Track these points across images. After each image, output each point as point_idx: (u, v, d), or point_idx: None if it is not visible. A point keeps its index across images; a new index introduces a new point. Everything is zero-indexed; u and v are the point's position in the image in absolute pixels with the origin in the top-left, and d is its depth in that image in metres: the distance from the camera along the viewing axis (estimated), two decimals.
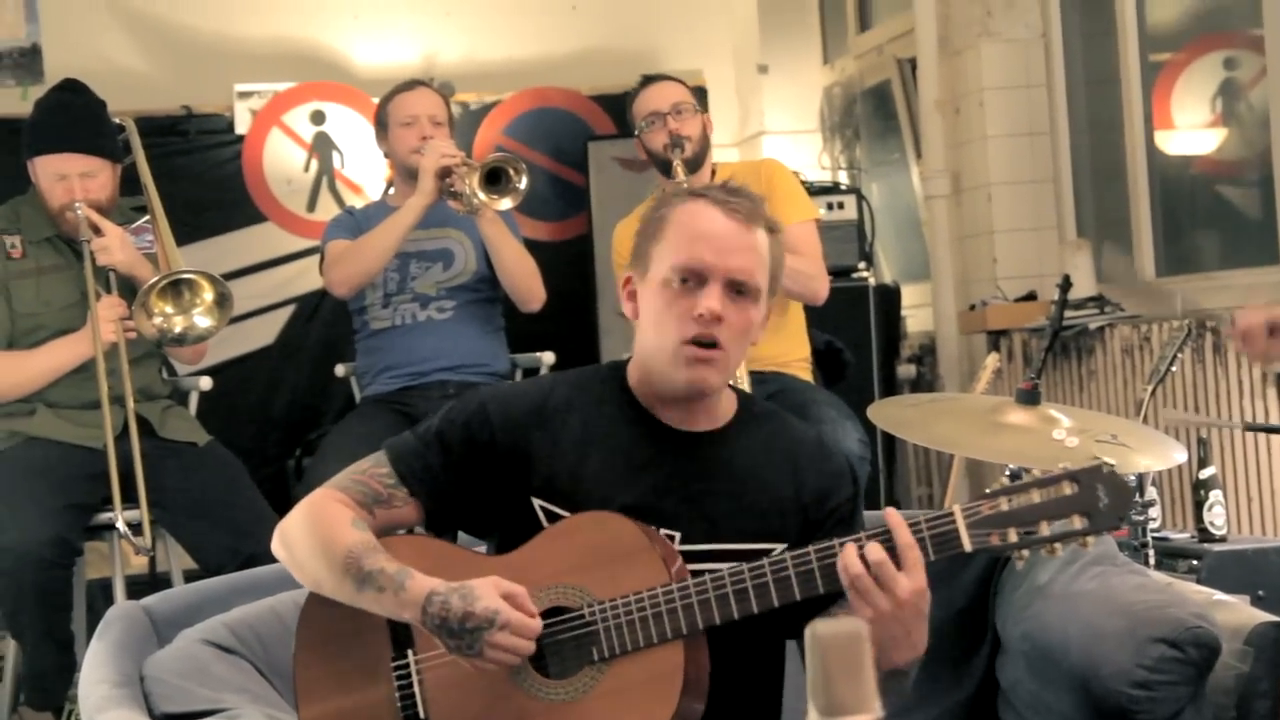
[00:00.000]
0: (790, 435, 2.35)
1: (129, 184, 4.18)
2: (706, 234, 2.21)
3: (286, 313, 5.88)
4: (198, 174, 5.79)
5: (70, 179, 3.99)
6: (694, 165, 4.28)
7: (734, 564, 2.13)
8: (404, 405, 4.29)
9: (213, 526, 3.92)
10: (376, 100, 4.57)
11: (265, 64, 6.04)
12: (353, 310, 4.50)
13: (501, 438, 2.26)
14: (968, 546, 2.06)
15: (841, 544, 2.08)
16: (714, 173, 4.38)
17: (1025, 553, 2.07)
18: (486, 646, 2.08)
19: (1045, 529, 2.05)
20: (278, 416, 5.80)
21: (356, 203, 5.64)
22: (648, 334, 2.25)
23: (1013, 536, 2.05)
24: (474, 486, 2.27)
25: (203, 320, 3.96)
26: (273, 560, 2.36)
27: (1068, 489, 2.05)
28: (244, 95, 5.90)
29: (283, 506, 4.11)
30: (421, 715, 2.19)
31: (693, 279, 2.20)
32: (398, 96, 4.46)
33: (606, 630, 2.13)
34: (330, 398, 5.53)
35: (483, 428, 2.27)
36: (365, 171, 5.97)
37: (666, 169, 4.27)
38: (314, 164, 5.95)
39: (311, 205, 5.93)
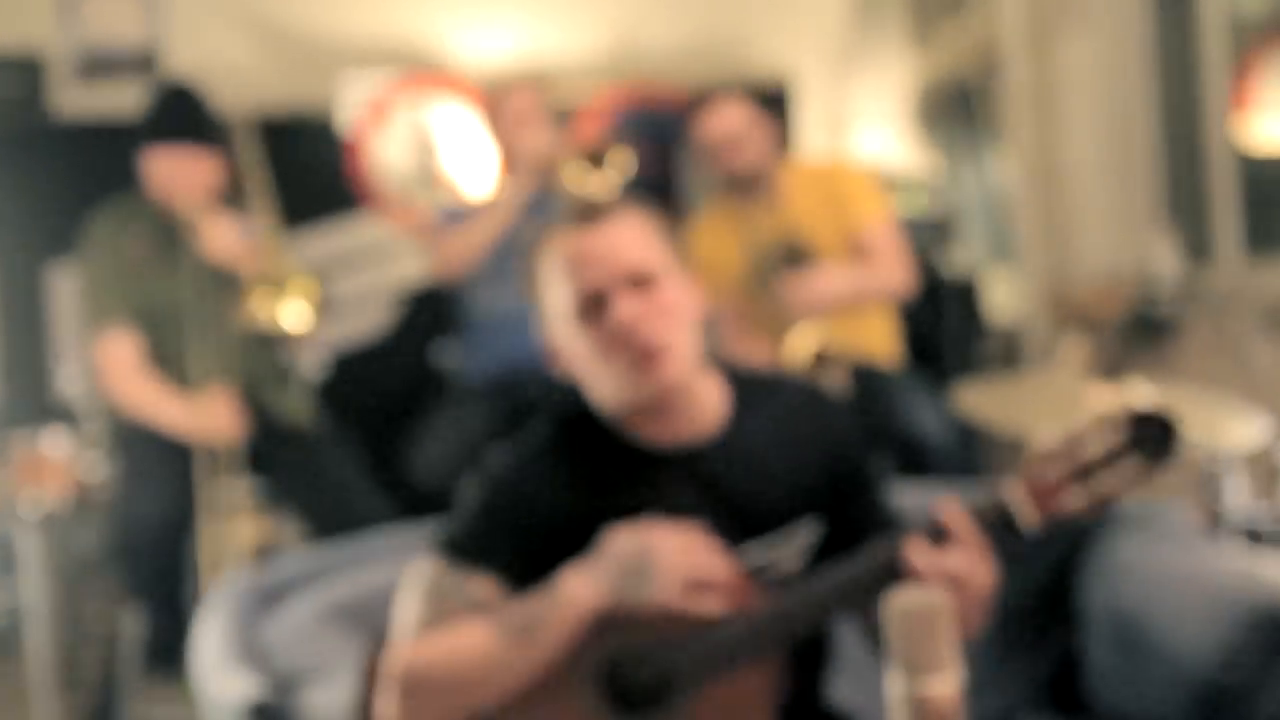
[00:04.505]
0: (789, 399, 2.28)
1: (238, 172, 4.28)
2: (579, 256, 2.15)
3: (392, 302, 5.97)
4: (306, 167, 5.87)
5: (177, 172, 4.09)
6: (758, 185, 4.34)
7: (801, 583, 2.11)
8: (504, 393, 4.37)
9: (323, 506, 4.03)
10: (479, 93, 4.64)
11: (370, 58, 6.12)
12: (454, 300, 4.59)
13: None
14: (1032, 521, 2.02)
15: (899, 547, 2.04)
16: (780, 176, 4.45)
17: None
18: (658, 573, 2.06)
19: (1104, 480, 2.01)
20: (382, 402, 5.89)
21: (459, 191, 5.72)
22: (591, 381, 2.19)
23: (1074, 497, 2.01)
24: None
25: (298, 317, 4.06)
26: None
27: (1115, 434, 2.00)
28: (350, 89, 5.98)
29: (387, 491, 4.22)
30: None
31: (592, 304, 2.14)
32: (500, 90, 4.55)
33: (681, 665, 2.07)
34: (432, 385, 5.62)
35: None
36: (467, 162, 6.06)
37: (733, 190, 4.35)
38: (418, 156, 6.03)
39: (415, 196, 6.01)
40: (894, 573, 2.03)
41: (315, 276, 4.05)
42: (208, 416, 3.98)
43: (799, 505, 2.21)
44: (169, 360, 4.14)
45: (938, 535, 2.03)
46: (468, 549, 2.15)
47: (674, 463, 2.20)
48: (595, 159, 4.31)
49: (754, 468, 2.21)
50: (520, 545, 2.15)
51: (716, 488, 2.19)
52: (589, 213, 2.18)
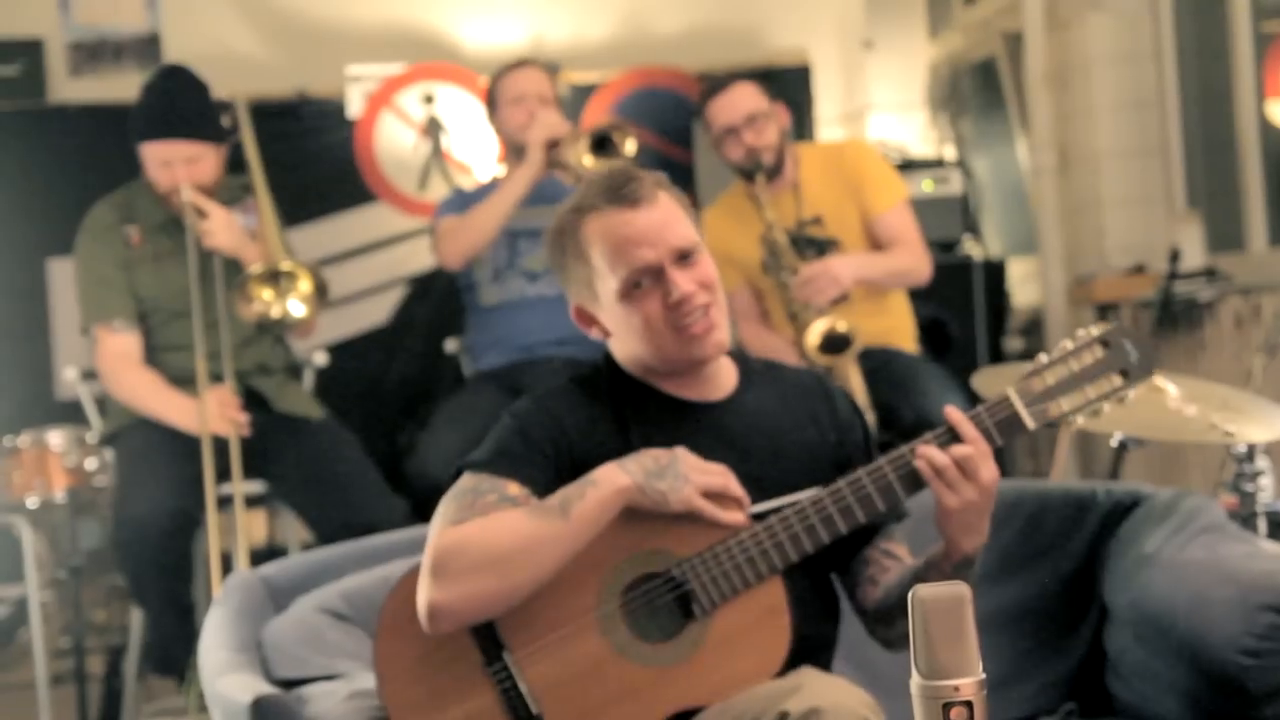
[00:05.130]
0: (793, 381, 2.44)
1: (238, 162, 4.24)
2: (630, 237, 2.25)
3: (399, 291, 5.95)
4: (311, 157, 5.85)
5: (174, 164, 4.03)
6: (775, 170, 4.32)
7: (811, 494, 2.23)
8: (513, 380, 4.34)
9: (328, 499, 3.99)
10: (485, 80, 4.63)
11: (376, 47, 6.10)
12: (462, 287, 4.56)
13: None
14: (1030, 424, 2.23)
15: (912, 449, 2.21)
16: (794, 161, 4.41)
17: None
18: (683, 475, 2.19)
19: (1090, 393, 2.26)
20: (390, 392, 5.88)
21: (465, 182, 5.70)
22: (636, 343, 2.30)
23: (1064, 405, 2.25)
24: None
25: (299, 308, 4.02)
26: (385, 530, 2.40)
27: (1099, 352, 2.25)
28: (356, 78, 5.96)
29: (394, 481, 4.21)
30: (535, 712, 2.17)
31: (647, 278, 2.25)
32: (506, 75, 4.51)
33: (701, 584, 2.19)
34: (441, 374, 5.59)
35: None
36: (474, 151, 6.03)
37: (749, 175, 4.32)
38: (425, 145, 6.01)
39: (422, 185, 5.99)
40: (908, 471, 2.22)
41: (318, 266, 4.01)
42: (209, 410, 3.93)
43: (805, 475, 2.30)
44: (170, 353, 4.11)
45: (946, 439, 2.21)
46: (502, 463, 2.24)
47: (693, 411, 2.33)
48: (602, 142, 4.28)
49: (764, 432, 2.33)
50: (550, 470, 2.24)
51: (732, 442, 2.30)
52: (629, 192, 2.26)
